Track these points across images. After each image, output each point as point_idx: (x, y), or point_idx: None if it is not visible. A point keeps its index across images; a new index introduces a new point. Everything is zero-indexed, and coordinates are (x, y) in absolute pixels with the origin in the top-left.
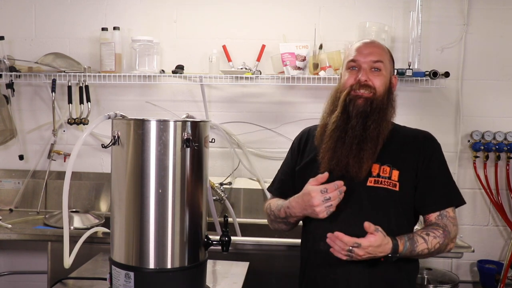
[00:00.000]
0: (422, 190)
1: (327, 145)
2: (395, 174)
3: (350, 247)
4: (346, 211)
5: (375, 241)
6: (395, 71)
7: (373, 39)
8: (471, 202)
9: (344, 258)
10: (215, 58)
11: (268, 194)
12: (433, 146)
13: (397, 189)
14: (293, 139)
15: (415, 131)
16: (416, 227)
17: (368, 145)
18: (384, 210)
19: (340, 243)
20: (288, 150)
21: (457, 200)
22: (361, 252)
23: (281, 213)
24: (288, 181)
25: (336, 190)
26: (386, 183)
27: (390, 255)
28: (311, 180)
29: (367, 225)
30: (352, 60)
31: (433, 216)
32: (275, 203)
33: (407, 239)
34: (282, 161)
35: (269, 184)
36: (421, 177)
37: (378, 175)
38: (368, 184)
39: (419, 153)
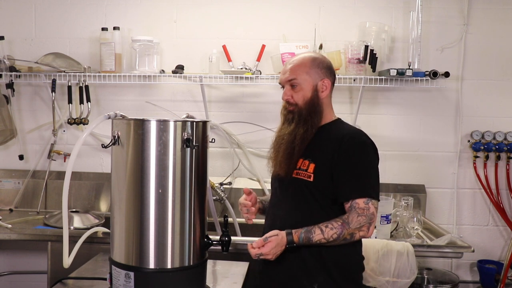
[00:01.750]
0: (335, 181)
1: (273, 153)
2: (312, 167)
3: (258, 257)
4: (278, 197)
5: (271, 246)
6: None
7: (296, 57)
8: (471, 202)
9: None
10: (215, 58)
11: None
12: (351, 142)
13: (311, 179)
14: None
15: (344, 130)
16: None
17: (296, 149)
18: (302, 197)
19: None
20: None
21: (362, 192)
22: (268, 256)
23: None
24: None
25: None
26: (303, 175)
27: (287, 245)
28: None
29: (260, 242)
30: (279, 83)
31: (346, 206)
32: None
33: (304, 231)
34: None
35: (269, 184)
36: (334, 170)
37: (299, 168)
38: (293, 175)
39: (335, 149)
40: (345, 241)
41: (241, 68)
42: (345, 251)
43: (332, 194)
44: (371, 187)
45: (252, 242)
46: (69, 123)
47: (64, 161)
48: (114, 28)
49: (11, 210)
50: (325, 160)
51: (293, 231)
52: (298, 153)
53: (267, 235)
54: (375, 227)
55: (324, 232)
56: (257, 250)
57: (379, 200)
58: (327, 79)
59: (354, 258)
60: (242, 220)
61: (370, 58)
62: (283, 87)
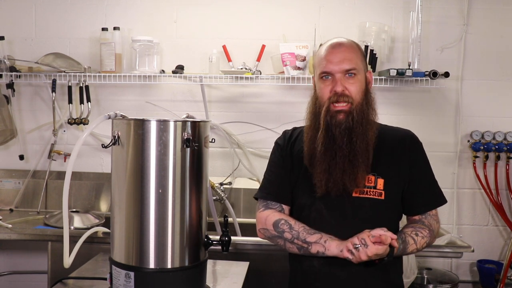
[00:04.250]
0: (409, 194)
1: (321, 168)
2: (380, 182)
3: (358, 245)
4: (332, 223)
5: (380, 250)
6: (370, 67)
7: (340, 40)
8: (471, 202)
9: (346, 255)
10: (215, 58)
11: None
12: (418, 148)
13: (382, 197)
14: (277, 141)
15: (399, 133)
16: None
17: (359, 160)
18: (368, 220)
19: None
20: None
21: (441, 201)
22: (364, 257)
23: (315, 248)
24: (286, 184)
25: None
26: (371, 193)
27: (385, 258)
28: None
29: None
30: (324, 72)
31: (417, 216)
32: (300, 225)
33: (401, 242)
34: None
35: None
36: (408, 181)
37: (364, 185)
38: (354, 195)
39: (404, 158)
40: (424, 249)
41: (241, 68)
42: (399, 266)
43: (396, 210)
44: (442, 194)
45: (252, 242)
46: (69, 123)
47: (64, 161)
48: (114, 28)
49: (11, 210)
50: (394, 172)
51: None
52: (365, 167)
53: (377, 233)
54: None
55: (417, 242)
56: (367, 249)
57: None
58: (370, 72)
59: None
60: (242, 220)
61: (370, 58)
62: (324, 77)
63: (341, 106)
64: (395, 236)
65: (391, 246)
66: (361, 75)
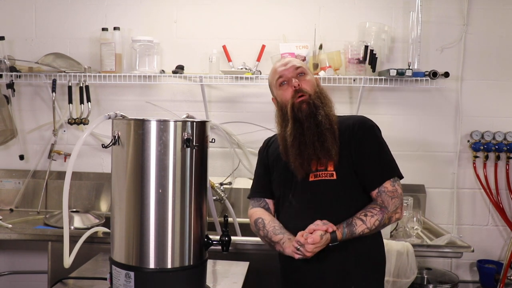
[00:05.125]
0: (359, 172)
1: (293, 153)
2: (331, 164)
3: (298, 246)
4: (297, 207)
5: (318, 244)
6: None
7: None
8: (471, 202)
9: (296, 257)
10: (215, 58)
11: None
12: (363, 128)
13: (334, 177)
14: (259, 149)
15: (349, 120)
16: None
17: (327, 135)
18: (327, 200)
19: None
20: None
21: (391, 173)
22: (308, 254)
23: (277, 247)
24: (267, 180)
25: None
26: (323, 175)
27: (330, 244)
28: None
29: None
30: (279, 76)
31: (374, 193)
32: (272, 224)
33: (345, 225)
34: None
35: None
36: (356, 161)
37: (317, 170)
38: (310, 179)
39: (350, 140)
40: (384, 226)
41: (241, 68)
42: (374, 244)
43: (354, 188)
44: (393, 168)
45: (252, 242)
46: (70, 123)
47: (65, 161)
48: (115, 28)
49: (11, 210)
50: (342, 154)
51: (336, 227)
52: (334, 140)
53: (310, 229)
54: None
55: (366, 221)
56: (298, 239)
57: (403, 177)
58: (317, 78)
59: (382, 250)
60: (242, 220)
61: (370, 58)
62: (281, 84)
63: (302, 98)
64: (326, 227)
65: (331, 235)
66: (310, 76)
